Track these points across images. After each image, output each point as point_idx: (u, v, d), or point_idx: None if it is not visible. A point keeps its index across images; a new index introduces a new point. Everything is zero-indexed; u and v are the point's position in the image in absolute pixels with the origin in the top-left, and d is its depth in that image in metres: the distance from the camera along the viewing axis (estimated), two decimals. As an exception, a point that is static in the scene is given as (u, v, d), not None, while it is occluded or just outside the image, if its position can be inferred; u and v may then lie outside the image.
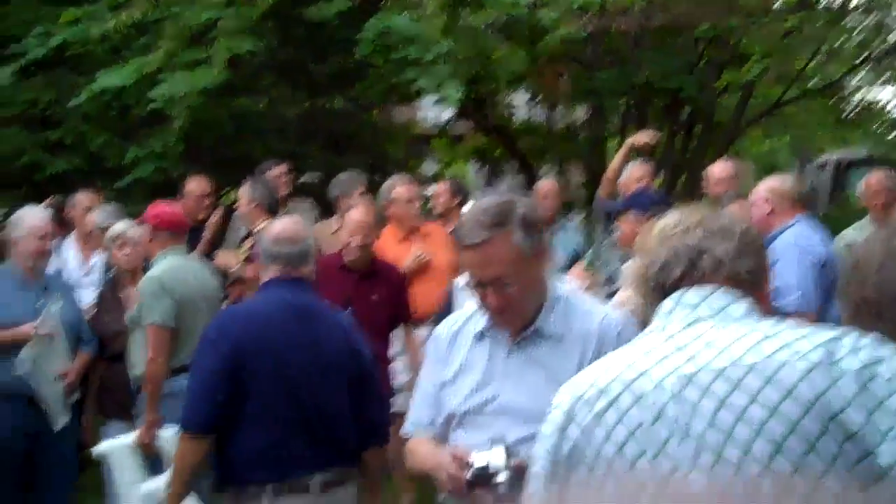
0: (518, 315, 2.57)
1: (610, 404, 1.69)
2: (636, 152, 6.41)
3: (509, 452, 2.40)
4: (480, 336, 2.66)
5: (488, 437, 2.46)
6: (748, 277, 1.76)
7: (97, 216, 6.00)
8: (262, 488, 3.39)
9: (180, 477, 3.52)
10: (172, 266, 4.82)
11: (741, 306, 1.72)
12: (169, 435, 4.37)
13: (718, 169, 6.15)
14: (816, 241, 5.02)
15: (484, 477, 2.40)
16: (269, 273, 3.62)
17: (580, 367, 2.14)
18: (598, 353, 2.33)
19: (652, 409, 1.64)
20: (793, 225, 5.01)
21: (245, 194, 5.93)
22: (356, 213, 5.25)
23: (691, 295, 1.75)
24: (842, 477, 1.49)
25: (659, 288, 1.81)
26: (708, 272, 1.76)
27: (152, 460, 4.63)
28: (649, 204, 4.88)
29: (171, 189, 7.09)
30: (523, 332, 2.59)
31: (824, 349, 1.57)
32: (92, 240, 6.08)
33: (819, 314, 4.65)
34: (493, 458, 2.40)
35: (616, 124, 12.46)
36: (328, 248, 6.49)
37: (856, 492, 1.44)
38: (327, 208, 6.99)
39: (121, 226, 5.44)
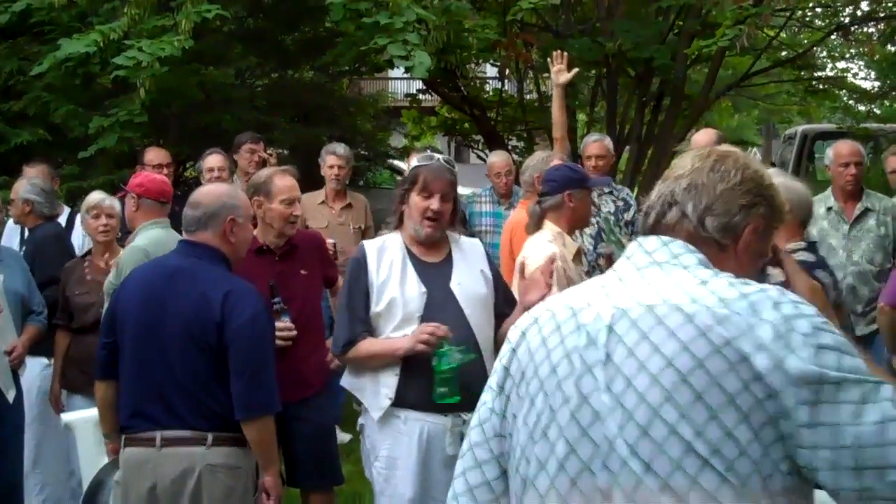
0: None
1: (555, 329, 1.84)
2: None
3: None
4: None
5: None
6: (712, 235, 1.83)
7: (22, 187, 5.91)
8: (121, 436, 3.66)
9: (101, 418, 3.94)
10: (158, 238, 4.64)
11: (693, 257, 1.81)
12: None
13: (703, 137, 6.12)
14: None
15: None
16: (182, 234, 3.85)
17: None
18: None
19: (587, 337, 1.78)
20: None
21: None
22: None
23: (651, 242, 1.85)
24: (742, 412, 1.61)
25: (641, 229, 1.92)
26: (672, 223, 1.86)
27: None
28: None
29: (136, 160, 6.99)
30: None
31: (748, 300, 1.68)
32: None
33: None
34: None
35: (587, 96, 12.43)
36: (315, 219, 6.45)
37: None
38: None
39: (97, 195, 5.35)
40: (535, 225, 4.44)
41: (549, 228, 4.32)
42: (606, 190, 6.52)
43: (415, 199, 3.68)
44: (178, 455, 3.51)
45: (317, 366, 4.56)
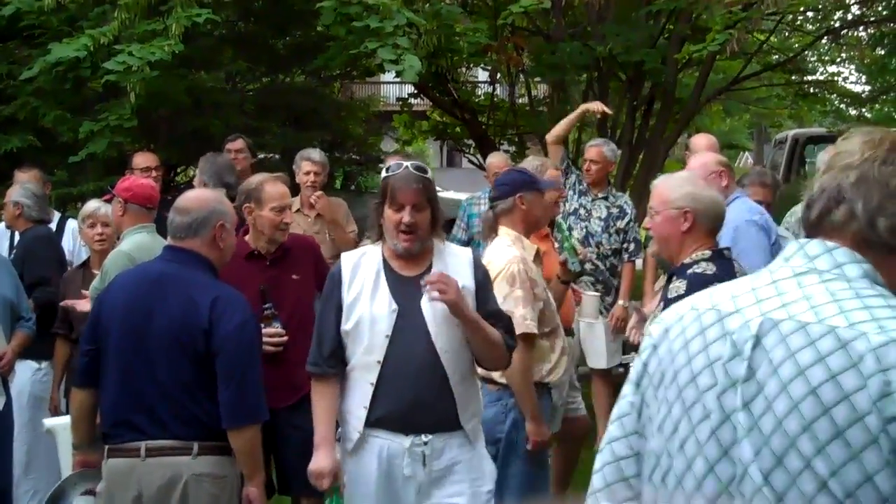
0: None
1: (700, 332, 1.71)
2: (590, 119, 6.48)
3: None
4: None
5: None
6: (883, 238, 1.63)
7: (14, 191, 5.92)
8: (104, 447, 3.60)
9: (73, 427, 3.85)
10: (143, 244, 4.60)
11: (858, 268, 1.63)
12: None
13: (703, 140, 6.12)
14: (765, 215, 5.01)
15: None
16: (168, 240, 3.80)
17: None
18: None
19: (732, 346, 1.64)
20: (737, 199, 4.96)
21: (198, 172, 5.99)
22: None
23: (813, 246, 1.68)
24: (877, 456, 1.46)
25: (804, 223, 1.73)
26: (839, 224, 1.66)
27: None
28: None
29: (126, 165, 6.97)
30: None
31: None
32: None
33: None
34: None
35: (577, 100, 12.43)
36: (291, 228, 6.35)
37: None
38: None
39: (93, 204, 5.35)
40: (489, 229, 4.41)
41: (506, 233, 4.29)
42: (601, 195, 6.54)
43: (387, 212, 3.45)
44: (164, 465, 3.48)
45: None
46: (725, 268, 3.44)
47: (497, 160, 7.08)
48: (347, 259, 3.60)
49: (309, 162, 6.30)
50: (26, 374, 5.49)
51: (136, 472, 3.48)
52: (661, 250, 3.76)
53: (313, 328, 4.44)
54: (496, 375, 4.09)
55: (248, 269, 4.37)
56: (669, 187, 3.67)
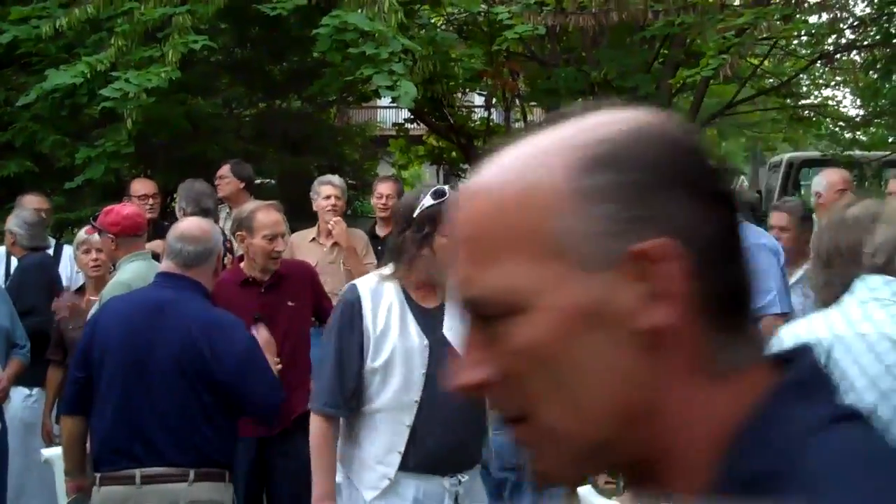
0: None
1: (825, 354, 2.18)
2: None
3: None
4: None
5: None
6: None
7: (11, 220, 5.96)
8: (94, 475, 3.58)
9: (65, 454, 3.82)
10: (139, 272, 4.58)
11: None
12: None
13: None
14: (772, 239, 5.03)
15: None
16: (163, 266, 3.77)
17: None
18: None
19: (854, 362, 2.16)
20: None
21: (178, 198, 6.05)
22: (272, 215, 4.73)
23: (874, 280, 2.27)
24: None
25: (870, 267, 2.30)
26: None
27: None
28: None
29: (123, 190, 6.98)
30: None
31: None
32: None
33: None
34: None
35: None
36: (304, 257, 5.90)
37: None
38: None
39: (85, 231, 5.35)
40: None
41: None
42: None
43: (440, 240, 3.04)
44: (160, 492, 3.47)
45: (304, 399, 4.52)
46: None
47: None
48: (364, 286, 3.20)
49: (330, 186, 6.09)
50: (17, 400, 5.50)
51: (132, 500, 3.47)
52: None
53: (307, 355, 4.38)
54: None
55: (243, 297, 4.37)
56: None
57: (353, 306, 3.15)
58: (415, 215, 3.12)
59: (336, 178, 6.29)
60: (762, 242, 4.84)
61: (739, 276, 0.83)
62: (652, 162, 0.79)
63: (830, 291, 2.42)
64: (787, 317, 4.75)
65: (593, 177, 0.79)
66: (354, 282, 3.32)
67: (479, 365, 0.79)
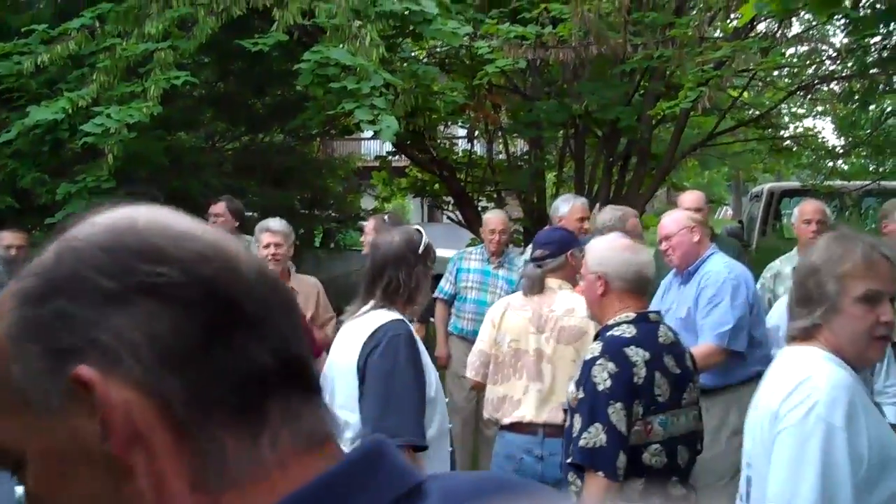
0: None
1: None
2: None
3: None
4: None
5: None
6: None
7: None
8: None
9: None
10: None
11: None
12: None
13: (688, 196, 6.18)
14: (742, 270, 5.04)
15: None
16: None
17: None
18: None
19: None
20: (712, 255, 5.00)
21: None
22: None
23: None
24: None
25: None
26: None
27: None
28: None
29: (105, 225, 6.96)
30: None
31: None
32: None
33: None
34: None
35: (555, 156, 12.56)
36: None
37: None
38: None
39: None
40: (537, 285, 4.44)
41: (564, 286, 4.42)
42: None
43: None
44: None
45: None
46: (646, 331, 3.41)
47: (494, 217, 6.95)
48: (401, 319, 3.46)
49: (268, 233, 5.51)
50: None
51: None
52: (589, 313, 3.78)
53: None
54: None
55: None
56: (590, 250, 3.69)
57: (412, 339, 3.35)
58: (419, 252, 3.40)
59: (275, 223, 5.60)
60: (728, 277, 4.86)
61: (242, 365, 0.75)
62: (69, 282, 0.76)
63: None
64: (739, 355, 4.77)
65: (24, 314, 0.76)
66: (397, 316, 3.43)
67: None
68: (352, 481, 0.74)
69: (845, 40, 10.85)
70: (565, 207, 6.38)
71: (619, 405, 3.20)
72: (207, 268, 0.77)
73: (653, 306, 5.18)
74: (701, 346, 4.61)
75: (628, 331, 3.38)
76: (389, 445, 0.79)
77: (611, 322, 3.48)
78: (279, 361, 0.76)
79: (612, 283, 3.51)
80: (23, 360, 0.75)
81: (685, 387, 3.41)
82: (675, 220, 5.04)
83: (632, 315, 3.46)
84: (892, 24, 9.24)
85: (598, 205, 10.71)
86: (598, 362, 3.27)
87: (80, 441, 0.74)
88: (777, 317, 4.75)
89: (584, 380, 3.27)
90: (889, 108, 13.75)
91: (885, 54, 9.84)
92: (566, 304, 4.34)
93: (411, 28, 8.05)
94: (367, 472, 0.75)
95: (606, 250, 3.62)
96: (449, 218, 13.08)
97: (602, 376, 3.23)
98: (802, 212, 6.16)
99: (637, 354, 3.29)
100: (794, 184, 14.59)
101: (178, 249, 0.77)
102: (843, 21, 9.99)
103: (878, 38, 10.01)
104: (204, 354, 0.74)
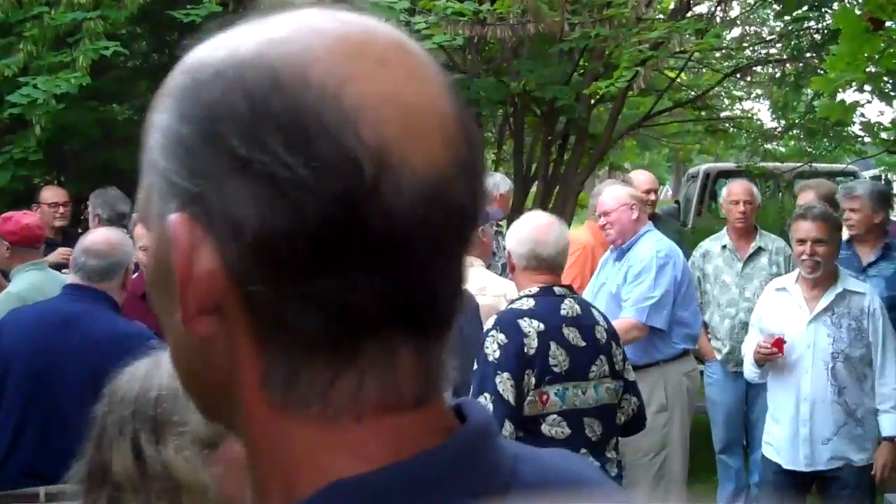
0: None
1: None
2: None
3: None
4: None
5: None
6: None
7: None
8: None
9: None
10: (34, 282, 4.53)
11: None
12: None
13: (644, 178, 6.31)
14: (671, 247, 5.13)
15: None
16: (70, 278, 3.71)
17: None
18: None
19: None
20: (647, 233, 5.08)
21: (90, 207, 6.00)
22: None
23: None
24: None
25: None
26: None
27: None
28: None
29: (33, 198, 6.84)
30: None
31: None
32: None
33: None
34: None
35: (493, 134, 12.58)
36: None
37: None
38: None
39: None
40: None
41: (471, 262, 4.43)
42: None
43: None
44: None
45: None
46: (547, 304, 3.49)
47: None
48: None
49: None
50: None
51: None
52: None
53: None
54: None
55: (145, 308, 4.31)
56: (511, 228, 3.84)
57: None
58: None
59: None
60: (657, 256, 4.93)
61: (347, 297, 0.61)
62: (213, 113, 0.64)
63: None
64: (656, 331, 4.86)
65: (161, 116, 0.69)
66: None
67: None
68: (448, 475, 0.62)
69: (779, 25, 11.01)
70: (505, 185, 6.59)
71: (505, 375, 3.27)
72: (358, 180, 0.60)
73: (590, 282, 5.27)
74: (621, 319, 4.67)
75: (527, 304, 3.48)
76: (493, 422, 0.68)
77: (516, 297, 3.58)
78: (396, 305, 0.62)
79: (516, 261, 3.63)
80: (159, 162, 0.68)
81: (593, 359, 3.46)
82: (616, 197, 5.10)
83: (535, 289, 3.53)
84: (823, 7, 9.40)
85: (535, 182, 10.80)
86: (490, 334, 3.36)
87: (168, 262, 0.65)
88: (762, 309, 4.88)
89: (479, 352, 3.34)
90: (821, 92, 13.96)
91: (817, 38, 10.00)
92: (478, 282, 4.36)
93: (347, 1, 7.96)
94: (469, 463, 0.63)
95: (514, 228, 3.72)
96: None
97: (492, 347, 3.32)
98: (730, 192, 6.26)
99: (530, 326, 3.38)
100: (729, 165, 14.76)
101: (336, 146, 0.60)
102: (776, 6, 10.13)
103: (812, 23, 10.17)
104: (306, 270, 0.61)
